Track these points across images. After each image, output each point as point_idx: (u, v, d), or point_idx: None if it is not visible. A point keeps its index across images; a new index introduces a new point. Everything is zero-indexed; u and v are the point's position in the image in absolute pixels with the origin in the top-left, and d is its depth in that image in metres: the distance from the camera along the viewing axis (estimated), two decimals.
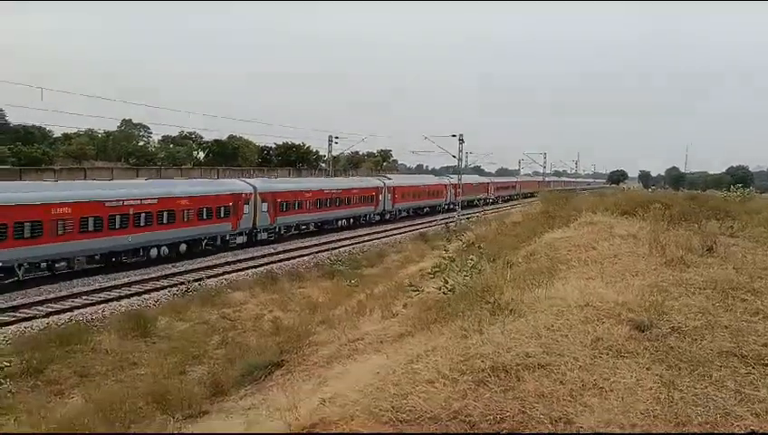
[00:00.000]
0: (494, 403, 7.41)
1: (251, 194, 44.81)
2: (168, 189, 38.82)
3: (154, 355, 16.95)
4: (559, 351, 8.25)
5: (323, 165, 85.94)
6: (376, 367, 9.70)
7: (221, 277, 33.55)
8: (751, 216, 16.72)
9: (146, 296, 28.12)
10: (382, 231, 56.30)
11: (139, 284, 30.69)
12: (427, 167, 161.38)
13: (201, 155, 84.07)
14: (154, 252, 36.90)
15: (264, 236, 46.31)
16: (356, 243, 49.02)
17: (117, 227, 33.41)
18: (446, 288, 10.06)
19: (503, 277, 10.34)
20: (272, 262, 38.69)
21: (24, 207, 29.06)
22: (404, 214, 68.79)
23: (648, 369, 7.91)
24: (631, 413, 6.92)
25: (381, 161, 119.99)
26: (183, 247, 38.92)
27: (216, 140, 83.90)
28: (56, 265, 30.95)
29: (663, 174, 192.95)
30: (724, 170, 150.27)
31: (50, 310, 24.94)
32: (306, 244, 47.11)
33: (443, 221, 63.45)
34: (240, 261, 38.79)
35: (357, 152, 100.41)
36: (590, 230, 14.18)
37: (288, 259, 40.26)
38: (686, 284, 10.75)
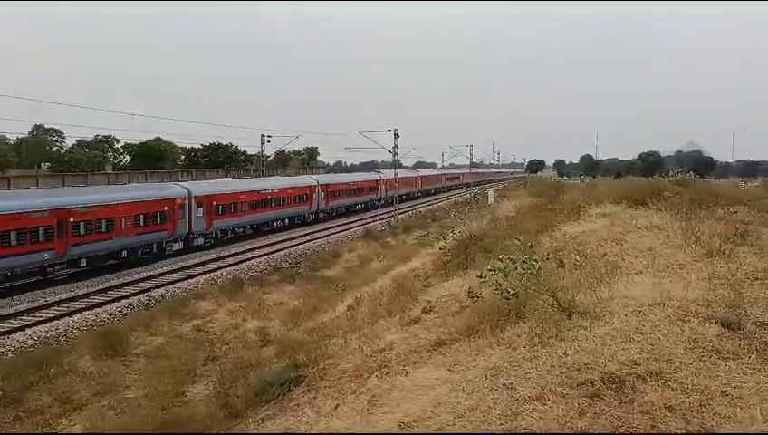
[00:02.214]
0: (618, 419, 6.73)
1: (185, 198, 43.03)
2: (104, 196, 37.45)
3: (140, 376, 15.63)
4: (663, 356, 7.66)
5: (251, 165, 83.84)
6: (441, 382, 9.02)
7: (173, 286, 32.00)
8: (744, 202, 16.53)
9: (106, 308, 26.41)
10: (319, 230, 56.00)
11: (77, 300, 28.63)
12: (348, 163, 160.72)
13: (127, 159, 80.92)
14: (84, 262, 34.61)
15: (200, 241, 44.43)
16: (298, 244, 48.52)
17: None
18: (507, 292, 9.31)
19: (563, 278, 9.64)
20: (223, 266, 37.22)
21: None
22: (341, 211, 68.57)
23: (759, 371, 7.38)
24: None
25: (308, 159, 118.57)
26: (124, 255, 37.50)
27: (141, 143, 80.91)
28: None
29: (577, 162, 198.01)
30: (635, 156, 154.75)
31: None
32: (247, 247, 45.72)
33: (385, 217, 63.45)
34: (189, 267, 37.17)
35: (284, 151, 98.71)
36: (609, 223, 13.77)
37: (238, 263, 38.88)
38: (742, 275, 10.33)
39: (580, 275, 10.05)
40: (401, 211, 69.85)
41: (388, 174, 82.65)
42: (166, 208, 41.08)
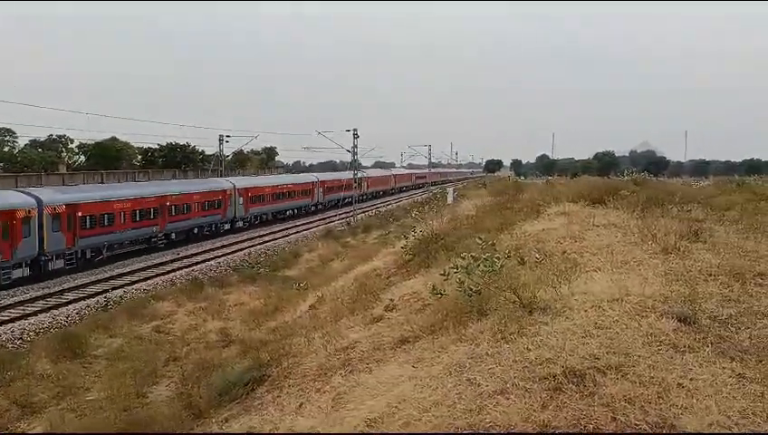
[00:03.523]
0: (580, 412, 6.90)
1: (33, 210, 35.29)
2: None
3: (101, 377, 15.46)
4: (622, 350, 7.89)
5: (209, 165, 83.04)
6: (405, 379, 9.12)
7: (132, 287, 31.67)
8: (698, 200, 16.97)
9: (63, 310, 26.02)
10: (267, 234, 56.52)
11: (33, 302, 28.17)
12: (305, 163, 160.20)
13: (82, 159, 79.51)
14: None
15: (59, 264, 37.01)
16: (258, 244, 49.10)
17: None
18: (469, 289, 9.46)
19: (524, 275, 9.83)
20: (181, 268, 36.96)
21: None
22: (265, 219, 66.90)
23: (714, 363, 7.62)
24: (731, 413, 6.58)
25: (267, 160, 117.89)
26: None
27: (97, 143, 79.54)
28: None
29: (533, 162, 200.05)
30: (590, 157, 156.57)
31: None
32: (209, 246, 45.65)
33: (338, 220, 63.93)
34: (147, 268, 36.81)
35: (242, 151, 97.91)
36: (568, 221, 14.01)
37: (196, 264, 38.70)
38: (696, 271, 10.63)
39: (540, 273, 10.24)
40: (361, 210, 70.20)
41: (335, 175, 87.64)
42: (221, 198, 55.91)
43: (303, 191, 74.59)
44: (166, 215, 47.40)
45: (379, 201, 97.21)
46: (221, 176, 73.89)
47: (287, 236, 54.42)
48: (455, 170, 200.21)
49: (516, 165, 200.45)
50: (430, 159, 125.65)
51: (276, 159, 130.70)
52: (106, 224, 41.28)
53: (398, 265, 17.98)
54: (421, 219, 19.72)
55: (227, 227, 57.25)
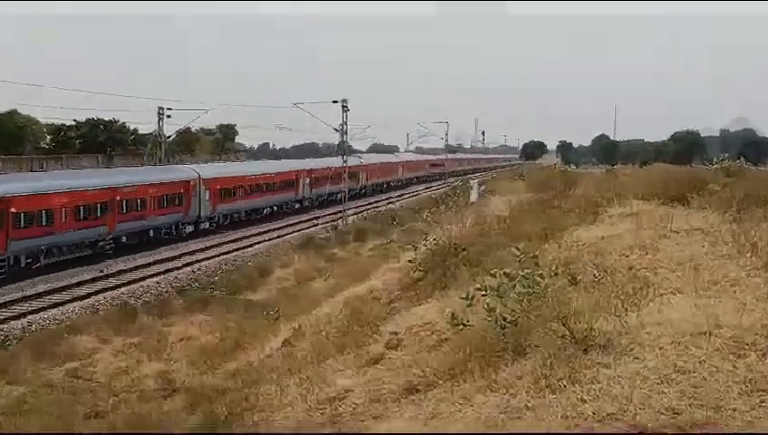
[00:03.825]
0: None
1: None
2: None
3: None
4: (711, 401, 7.92)
5: (146, 148, 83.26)
6: None
7: (38, 315, 31.86)
8: None
9: None
10: (233, 241, 57.76)
11: None
12: (276, 147, 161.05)
13: None
14: None
15: None
16: (214, 256, 50.48)
17: None
18: (502, 319, 9.52)
19: (576, 299, 9.91)
20: (109, 288, 37.19)
21: None
22: (237, 218, 69.22)
23: None
24: None
25: (223, 141, 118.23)
26: None
27: None
28: None
29: (588, 144, 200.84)
30: (666, 138, 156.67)
31: None
32: (142, 261, 45.90)
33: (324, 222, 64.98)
34: (59, 290, 37.04)
35: (189, 129, 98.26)
36: (636, 225, 14.21)
37: (126, 284, 39.05)
38: None
39: (599, 296, 10.32)
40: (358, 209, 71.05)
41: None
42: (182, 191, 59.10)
43: (285, 183, 77.17)
44: (116, 212, 49.20)
45: (378, 197, 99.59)
46: (162, 163, 76.12)
47: (258, 243, 56.24)
48: (482, 156, 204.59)
49: (564, 149, 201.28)
50: (447, 140, 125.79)
51: (236, 140, 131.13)
52: (44, 223, 42.91)
53: (403, 286, 18.12)
54: (435, 223, 19.80)
55: (190, 229, 59.50)
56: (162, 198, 55.49)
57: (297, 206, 79.92)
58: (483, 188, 49.28)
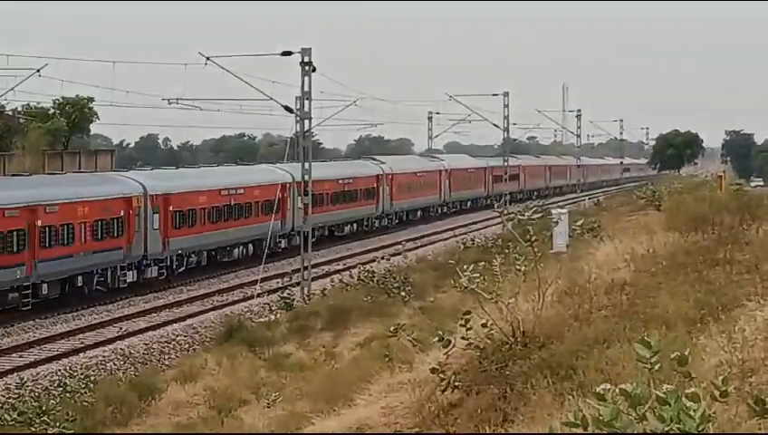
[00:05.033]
0: None
1: None
2: None
3: None
4: None
5: None
6: None
7: None
8: None
9: None
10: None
11: None
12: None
13: None
14: None
15: None
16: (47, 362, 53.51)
17: None
18: None
19: None
20: None
21: None
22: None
23: None
24: None
25: (69, 131, 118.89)
26: None
27: None
28: None
29: None
30: None
31: None
32: None
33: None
34: None
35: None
36: None
37: None
38: None
39: None
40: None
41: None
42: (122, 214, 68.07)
43: (264, 205, 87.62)
44: (36, 245, 56.47)
45: (376, 242, 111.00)
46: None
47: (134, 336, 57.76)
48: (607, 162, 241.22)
49: (738, 147, 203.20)
50: (579, 136, 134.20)
51: (94, 129, 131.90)
52: None
53: (423, 420, 18.48)
54: (484, 294, 19.83)
55: (129, 277, 68.88)
56: (96, 225, 63.86)
57: (283, 242, 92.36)
58: (579, 223, 48.79)
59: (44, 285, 59.76)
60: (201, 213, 77.91)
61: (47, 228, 59.77)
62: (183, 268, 76.01)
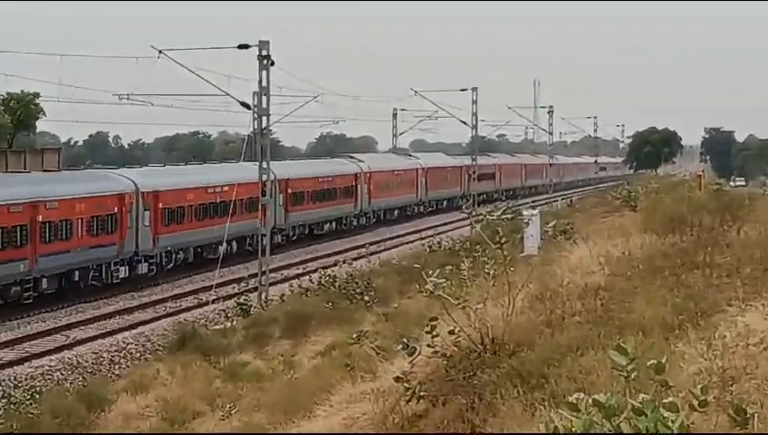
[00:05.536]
0: None
1: None
2: None
3: None
4: None
5: None
6: None
7: None
8: None
9: None
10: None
11: None
12: None
13: None
14: None
15: None
16: None
17: None
18: None
19: None
20: None
21: None
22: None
23: None
24: None
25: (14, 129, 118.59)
26: None
27: None
28: None
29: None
30: None
31: None
32: None
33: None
34: None
35: None
36: None
37: None
38: None
39: None
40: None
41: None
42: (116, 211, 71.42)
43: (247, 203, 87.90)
44: (37, 240, 59.45)
45: (332, 246, 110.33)
46: None
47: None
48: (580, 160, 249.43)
49: (716, 145, 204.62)
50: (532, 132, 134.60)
51: (41, 127, 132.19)
52: None
53: (386, 430, 18.38)
54: (452, 299, 19.47)
55: (122, 273, 71.41)
56: (92, 221, 67.32)
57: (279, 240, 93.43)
58: (551, 224, 48.26)
59: (44, 280, 63.50)
60: (189, 210, 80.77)
61: (47, 224, 63.23)
62: (171, 264, 79.17)
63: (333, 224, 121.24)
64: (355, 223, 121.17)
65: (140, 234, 72.18)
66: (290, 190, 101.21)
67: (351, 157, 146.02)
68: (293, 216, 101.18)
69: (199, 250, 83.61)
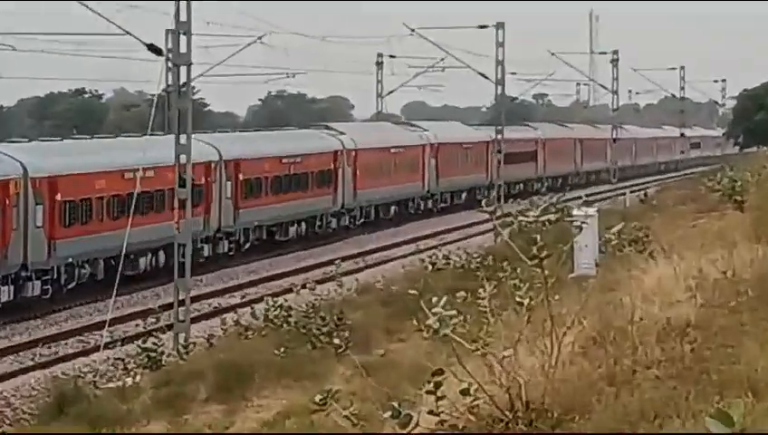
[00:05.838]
0: None
1: None
2: None
3: None
4: None
5: None
6: None
7: None
8: None
9: None
10: None
11: None
12: None
13: None
14: None
15: None
16: None
17: None
18: None
19: None
20: None
21: None
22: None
23: None
24: None
25: None
26: None
27: None
28: None
29: None
30: None
31: None
32: None
33: None
34: None
35: None
36: None
37: None
38: None
39: None
40: None
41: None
42: None
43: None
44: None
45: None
46: None
47: None
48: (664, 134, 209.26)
49: None
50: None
51: None
52: None
53: None
54: (467, 342, 15.56)
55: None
56: None
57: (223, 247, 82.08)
58: (615, 230, 41.15)
59: None
60: (98, 204, 67.50)
61: None
62: (73, 282, 68.43)
63: (303, 226, 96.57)
64: (334, 225, 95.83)
65: (31, 239, 60.33)
66: (241, 177, 79.73)
67: (329, 127, 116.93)
68: (246, 214, 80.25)
69: (112, 262, 67.37)
